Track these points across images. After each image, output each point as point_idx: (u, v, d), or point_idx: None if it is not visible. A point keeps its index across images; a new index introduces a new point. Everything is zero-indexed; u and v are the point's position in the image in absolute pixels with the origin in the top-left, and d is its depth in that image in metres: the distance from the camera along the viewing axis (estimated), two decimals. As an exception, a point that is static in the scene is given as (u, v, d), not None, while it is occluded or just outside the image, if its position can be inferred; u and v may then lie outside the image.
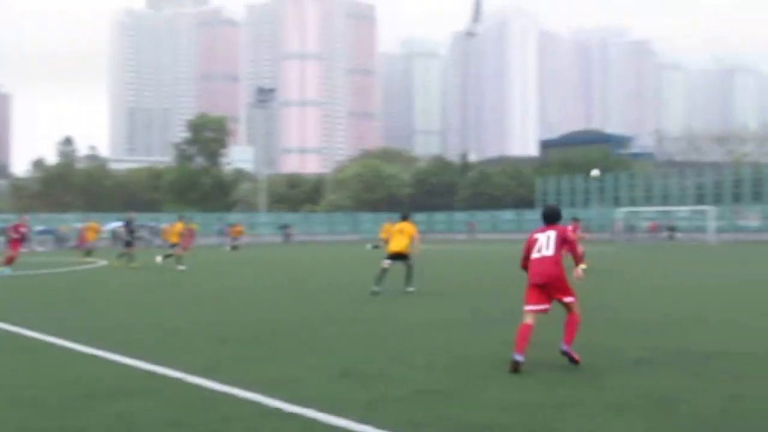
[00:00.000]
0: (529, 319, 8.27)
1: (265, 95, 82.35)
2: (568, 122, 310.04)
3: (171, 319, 13.04)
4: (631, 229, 67.76)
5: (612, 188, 76.83)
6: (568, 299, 8.45)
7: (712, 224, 62.07)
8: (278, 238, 70.19)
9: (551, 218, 8.82)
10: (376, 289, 16.94)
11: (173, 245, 28.78)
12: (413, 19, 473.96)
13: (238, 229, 44.33)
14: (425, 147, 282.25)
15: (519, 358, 7.98)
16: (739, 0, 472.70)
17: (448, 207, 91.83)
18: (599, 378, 7.71)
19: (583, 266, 10.16)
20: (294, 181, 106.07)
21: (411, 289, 17.30)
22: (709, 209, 64.93)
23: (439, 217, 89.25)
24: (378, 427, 5.93)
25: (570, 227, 21.15)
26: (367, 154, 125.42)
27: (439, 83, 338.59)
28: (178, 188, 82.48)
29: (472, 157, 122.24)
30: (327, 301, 15.90)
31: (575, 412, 6.35)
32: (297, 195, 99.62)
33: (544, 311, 8.40)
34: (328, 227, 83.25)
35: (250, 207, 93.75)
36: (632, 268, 27.13)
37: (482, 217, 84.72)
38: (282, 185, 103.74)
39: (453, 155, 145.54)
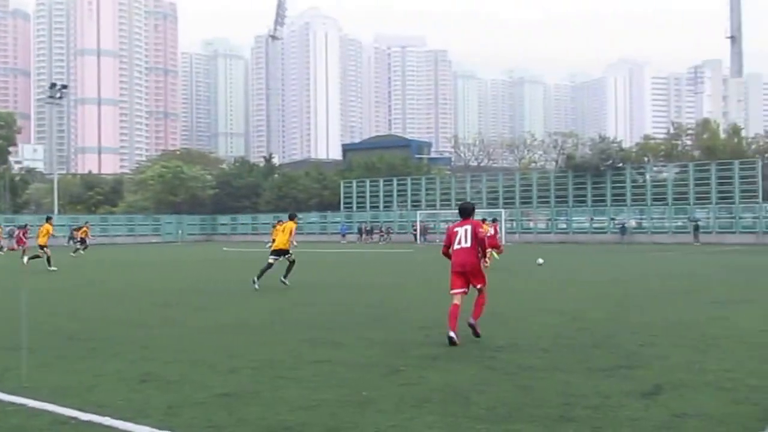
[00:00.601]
0: (456, 300, 10.02)
1: (57, 91, 77.99)
2: (370, 127, 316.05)
3: (-47, 327, 12.10)
4: (425, 231, 70.61)
5: (412, 192, 79.31)
6: (479, 285, 10.21)
7: (503, 226, 65.32)
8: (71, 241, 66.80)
9: (466, 213, 10.57)
10: (255, 286, 18.34)
11: (42, 247, 29.00)
12: (216, 19, 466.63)
13: (84, 229, 43.35)
14: (229, 149, 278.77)
15: (452, 334, 9.69)
16: (526, 17, 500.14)
17: (253, 209, 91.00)
18: (399, 375, 7.87)
19: (495, 256, 15.80)
20: (90, 182, 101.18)
21: (287, 282, 19.04)
22: (501, 212, 68.32)
23: (244, 219, 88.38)
24: (179, 432, 5.80)
25: (492, 227, 28.38)
26: (168, 155, 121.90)
27: (243, 85, 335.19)
28: (-40, 188, 76.86)
29: (277, 160, 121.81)
30: (127, 304, 15.38)
31: (376, 408, 6.43)
32: (93, 196, 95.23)
33: (465, 293, 10.16)
34: (128, 229, 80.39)
35: (42, 208, 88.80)
36: (429, 268, 27.98)
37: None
38: (77, 186, 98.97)
39: (257, 157, 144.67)
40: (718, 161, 66.54)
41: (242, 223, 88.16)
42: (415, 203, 77.77)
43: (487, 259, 10.88)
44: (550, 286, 19.73)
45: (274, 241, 20.38)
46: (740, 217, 62.19)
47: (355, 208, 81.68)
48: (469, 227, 10.43)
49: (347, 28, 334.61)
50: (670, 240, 61.67)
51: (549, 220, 71.08)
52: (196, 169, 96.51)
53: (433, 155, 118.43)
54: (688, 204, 64.80)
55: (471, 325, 10.25)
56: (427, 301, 15.36)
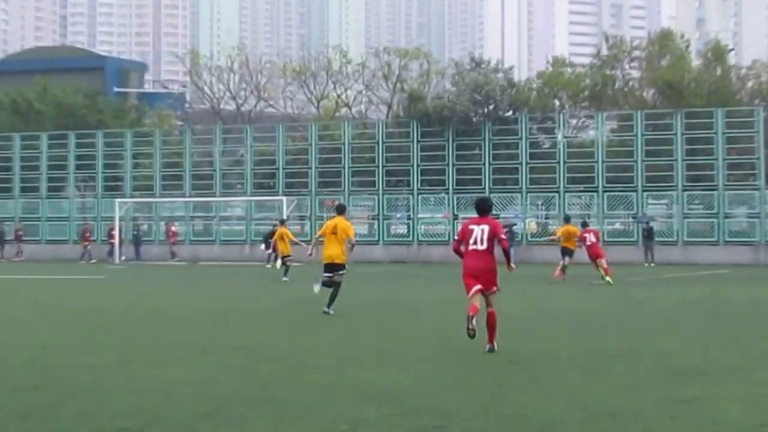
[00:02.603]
0: (474, 302, 17.10)
1: None
2: (26, 32, 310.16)
3: None
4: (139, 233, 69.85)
5: (105, 160, 78.42)
6: (492, 290, 17.39)
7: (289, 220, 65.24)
8: None
9: (484, 210, 17.71)
10: (330, 311, 25.69)
11: None
12: None
13: None
14: None
15: (471, 325, 16.85)
16: None
17: None
18: None
19: (608, 279, 39.18)
20: None
21: (331, 311, 25.64)
22: (283, 200, 68.00)
23: None
24: None
25: (590, 233, 41.98)
26: None
27: None
28: None
29: None
30: None
31: None
32: None
33: (481, 291, 17.17)
34: None
35: None
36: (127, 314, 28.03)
37: None
38: None
39: None
40: (687, 109, 68.83)
41: None
42: (111, 184, 76.66)
43: (512, 265, 17.74)
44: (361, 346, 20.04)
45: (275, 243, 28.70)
46: (726, 215, 65.05)
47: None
48: (486, 227, 17.29)
49: None
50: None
51: (374, 218, 72.65)
52: None
53: (150, 89, 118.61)
54: (635, 189, 67.06)
55: (490, 351, 17.45)
56: (130, 383, 15.17)
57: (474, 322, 16.51)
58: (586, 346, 19.50)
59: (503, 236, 17.12)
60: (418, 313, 27.91)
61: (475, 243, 16.87)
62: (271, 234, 61.36)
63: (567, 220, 46.30)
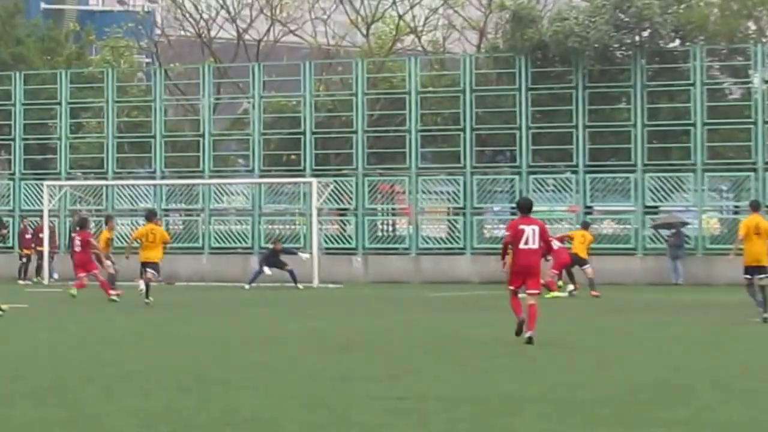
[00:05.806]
0: (519, 301, 31.16)
1: None
2: None
3: None
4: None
5: (34, 117, 73.29)
6: (533, 290, 29.34)
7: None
8: None
9: (529, 209, 30.02)
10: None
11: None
12: None
13: None
14: None
15: (523, 316, 29.59)
16: None
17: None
18: None
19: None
20: None
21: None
22: (313, 183, 60.42)
23: None
24: None
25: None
26: None
27: None
28: None
29: None
30: None
31: None
32: None
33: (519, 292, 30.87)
34: None
35: None
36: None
37: None
38: None
39: None
40: None
41: None
42: (37, 157, 71.96)
43: (554, 270, 37.03)
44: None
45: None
46: None
47: None
48: (537, 228, 27.20)
49: None
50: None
51: (457, 213, 66.51)
52: None
53: (97, 5, 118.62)
54: None
55: (530, 338, 27.14)
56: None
57: (522, 316, 26.24)
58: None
59: (550, 237, 27.82)
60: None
61: (526, 243, 25.65)
62: (274, 252, 59.02)
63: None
